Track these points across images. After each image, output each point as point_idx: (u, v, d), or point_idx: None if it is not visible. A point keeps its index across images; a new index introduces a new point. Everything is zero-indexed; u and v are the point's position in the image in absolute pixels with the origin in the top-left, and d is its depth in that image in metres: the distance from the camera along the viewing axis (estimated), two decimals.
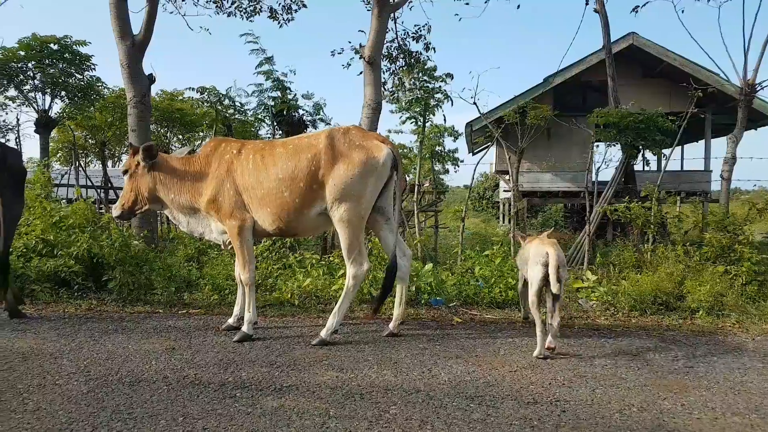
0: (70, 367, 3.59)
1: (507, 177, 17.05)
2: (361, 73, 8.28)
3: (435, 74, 8.93)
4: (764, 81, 7.72)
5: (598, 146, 11.90)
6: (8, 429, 2.65)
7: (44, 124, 12.93)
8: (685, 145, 18.79)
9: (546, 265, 3.93)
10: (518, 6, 13.05)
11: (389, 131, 18.19)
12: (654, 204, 7.53)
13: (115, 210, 4.78)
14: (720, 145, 33.74)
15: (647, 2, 9.33)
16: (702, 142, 16.71)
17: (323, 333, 4.30)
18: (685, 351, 4.25)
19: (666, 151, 10.88)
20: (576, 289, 6.40)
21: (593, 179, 10.85)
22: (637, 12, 9.60)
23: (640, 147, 10.21)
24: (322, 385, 3.34)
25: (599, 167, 10.00)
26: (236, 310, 4.74)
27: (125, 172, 4.71)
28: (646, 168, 16.35)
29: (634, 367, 3.82)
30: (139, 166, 4.62)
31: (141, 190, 4.63)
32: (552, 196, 16.30)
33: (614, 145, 10.92)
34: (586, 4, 11.12)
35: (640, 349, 4.29)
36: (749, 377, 3.62)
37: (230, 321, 4.69)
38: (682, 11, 8.20)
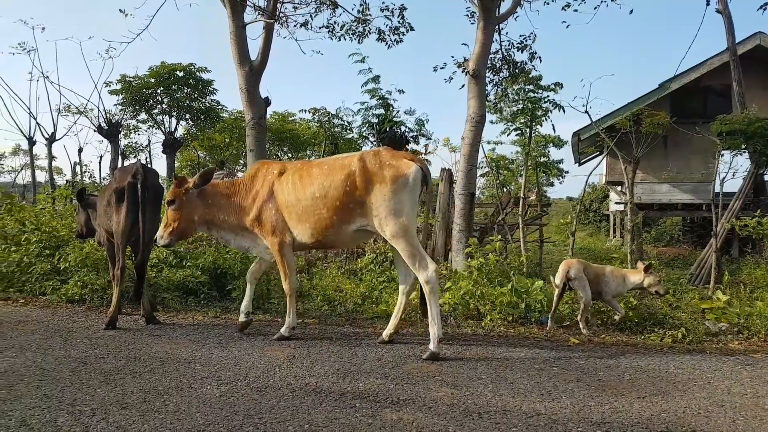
0: (202, 372, 3.86)
1: (618, 188, 16.15)
2: (463, 86, 8.25)
3: (541, 83, 8.70)
4: None
5: (723, 155, 10.94)
6: (153, 428, 2.89)
7: (170, 145, 14.19)
8: None
9: None
10: (631, 11, 12.39)
11: (489, 142, 17.92)
12: None
13: (162, 240, 4.95)
14: None
15: None
16: None
17: (432, 346, 4.35)
18: None
19: None
20: (702, 309, 5.90)
21: (717, 191, 9.99)
22: (765, 9, 8.74)
23: None
24: (438, 401, 3.34)
25: (724, 178, 9.17)
26: (244, 306, 5.06)
27: (171, 202, 4.90)
28: None
29: None
30: (188, 193, 4.91)
31: (191, 216, 4.91)
32: (670, 208, 15.17)
33: (741, 154, 10.01)
34: (707, 4, 10.32)
35: None
36: None
37: (242, 318, 5.04)
38: None
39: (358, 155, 4.65)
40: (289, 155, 15.61)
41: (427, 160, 11.90)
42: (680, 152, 14.36)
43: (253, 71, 8.44)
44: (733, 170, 9.88)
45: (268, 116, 13.72)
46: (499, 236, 8.08)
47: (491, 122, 9.81)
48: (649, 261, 6.36)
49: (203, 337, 4.86)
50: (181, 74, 13.50)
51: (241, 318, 5.03)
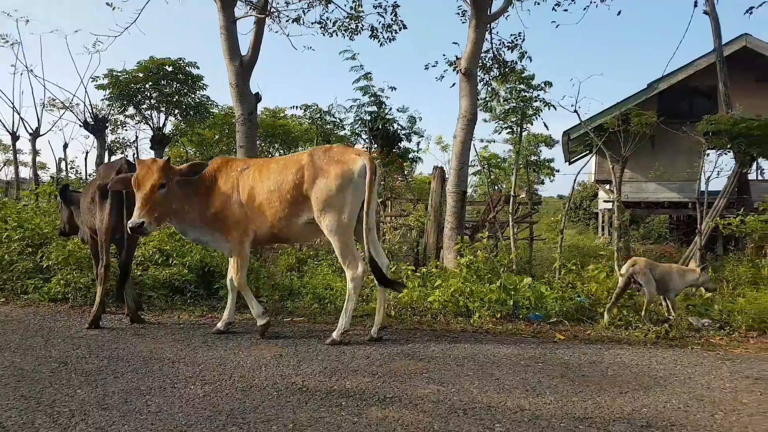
0: (186, 372, 3.83)
1: (607, 187, 16.27)
2: (453, 84, 8.27)
3: (533, 83, 8.74)
4: None
5: (708, 154, 11.06)
6: (133, 429, 2.86)
7: (159, 141, 14.08)
8: None
9: None
10: (619, 12, 12.46)
11: (481, 140, 17.99)
12: None
13: (150, 225, 4.54)
14: None
15: (763, 2, 8.56)
16: None
17: (335, 334, 4.61)
18: None
19: None
20: (687, 306, 5.97)
21: (703, 189, 10.10)
22: (751, 13, 8.83)
23: (755, 155, 9.38)
24: (424, 398, 3.35)
25: (710, 177, 9.26)
26: (226, 315, 5.03)
27: (162, 186, 4.58)
28: (761, 177, 15.00)
29: (756, 392, 3.52)
30: (176, 180, 4.70)
31: (171, 204, 4.71)
32: (657, 207, 15.34)
33: (726, 153, 10.14)
34: (695, 6, 10.42)
35: (763, 372, 3.94)
36: None
37: (219, 325, 4.99)
38: None
39: (310, 150, 4.83)
40: (281, 152, 15.58)
41: (419, 157, 11.95)
42: (667, 151, 14.51)
43: (243, 66, 8.38)
44: (718, 169, 10.01)
45: (259, 112, 13.70)
46: (488, 234, 8.11)
47: (484, 120, 9.86)
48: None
49: (188, 337, 4.84)
50: (170, 69, 13.41)
51: (260, 321, 4.88)
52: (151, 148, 14.06)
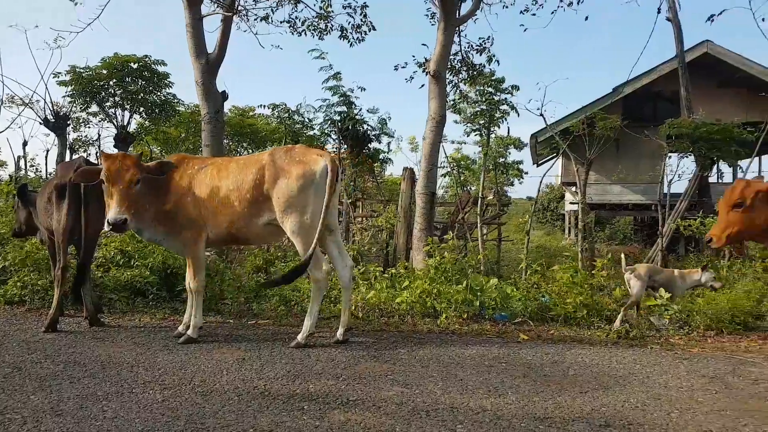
0: (145, 376, 3.74)
1: (573, 189, 16.57)
2: (423, 86, 8.31)
3: (502, 86, 8.83)
4: None
5: (670, 158, 11.38)
6: None
7: (123, 139, 13.77)
8: (763, 157, 17.64)
9: None
10: (586, 18, 12.72)
11: (453, 142, 18.15)
12: None
13: (131, 222, 4.36)
14: None
15: (723, 11, 8.85)
16: None
17: (300, 336, 4.58)
18: (767, 374, 3.98)
19: (743, 163, 10.28)
20: (648, 306, 6.11)
21: (665, 192, 10.38)
22: (712, 21, 9.12)
23: (715, 159, 9.69)
24: (387, 401, 3.34)
25: (671, 179, 9.52)
26: (186, 317, 4.94)
27: (137, 182, 4.41)
28: (721, 180, 15.50)
29: (712, 391, 3.61)
30: (142, 177, 4.48)
31: (141, 202, 4.54)
32: (621, 208, 15.71)
33: (687, 157, 10.44)
34: (658, 12, 10.69)
35: (718, 371, 4.05)
36: None
37: (180, 328, 4.90)
38: (762, 19, 7.69)
39: (271, 150, 4.78)
40: (249, 151, 15.41)
41: (389, 158, 11.95)
42: (631, 155, 14.86)
43: (209, 64, 8.28)
44: (679, 172, 10.31)
45: (227, 111, 13.53)
46: (453, 235, 8.16)
47: (455, 122, 9.93)
48: (603, 260, 6.60)
49: (149, 340, 4.72)
50: (135, 66, 13.12)
51: (191, 332, 4.72)
52: (114, 146, 13.72)
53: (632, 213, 16.34)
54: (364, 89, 9.87)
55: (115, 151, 13.88)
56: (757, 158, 17.19)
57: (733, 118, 10.47)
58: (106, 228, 4.34)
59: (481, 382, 3.73)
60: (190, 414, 3.08)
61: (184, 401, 3.28)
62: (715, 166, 13.61)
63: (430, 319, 5.73)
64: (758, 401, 3.42)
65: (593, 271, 6.46)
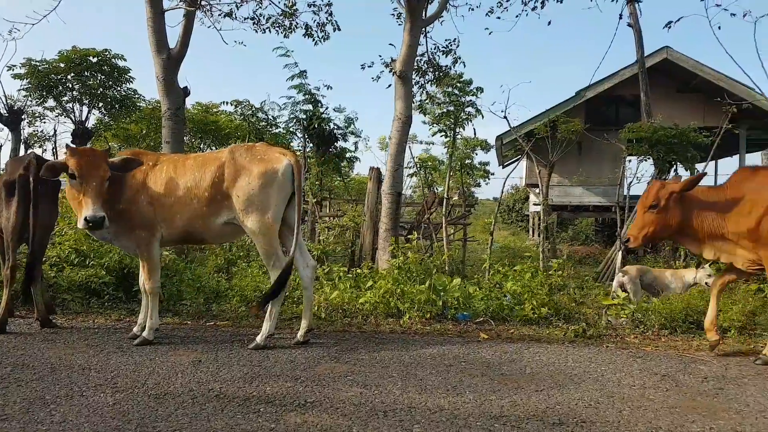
0: (97, 379, 3.63)
1: (537, 190, 16.88)
2: (389, 86, 8.32)
3: (468, 88, 8.91)
4: None
5: (630, 161, 11.69)
6: None
7: (80, 135, 13.36)
8: (719, 160, 18.31)
9: None
10: (549, 22, 12.95)
11: (422, 142, 18.26)
12: None
13: (107, 221, 4.28)
14: (755, 161, 32.64)
15: (680, 18, 9.14)
16: (737, 157, 16.26)
17: (259, 338, 4.49)
18: (715, 372, 4.12)
19: (699, 166, 10.62)
20: (606, 305, 6.26)
21: (625, 194, 10.65)
22: (670, 27, 9.41)
23: (672, 161, 10.00)
24: (345, 401, 3.32)
25: (631, 182, 9.78)
26: (140, 318, 4.82)
27: (109, 177, 4.33)
28: None
29: (663, 388, 3.71)
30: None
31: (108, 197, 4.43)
32: (582, 210, 16.06)
33: (646, 160, 10.73)
34: (620, 18, 10.96)
35: (670, 369, 4.16)
36: None
37: (135, 330, 4.79)
38: (719, 27, 7.97)
39: (231, 147, 4.67)
40: (213, 148, 15.17)
41: (356, 158, 11.92)
42: (593, 157, 15.21)
43: (171, 60, 8.11)
44: (639, 175, 10.61)
45: (189, 107, 13.27)
46: (418, 235, 8.19)
47: (423, 122, 9.97)
48: (561, 260, 6.73)
49: (102, 342, 4.59)
50: (94, 60, 12.73)
51: (146, 334, 4.59)
52: (72, 142, 13.30)
53: (593, 214, 16.73)
54: (331, 88, 9.84)
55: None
56: (712, 162, 17.89)
57: (690, 122, 10.79)
58: (82, 225, 4.20)
59: (440, 382, 3.74)
60: (141, 417, 3.00)
61: (136, 404, 3.19)
62: (673, 169, 14.03)
63: (394, 319, 5.74)
64: (706, 398, 3.53)
65: (551, 272, 6.58)
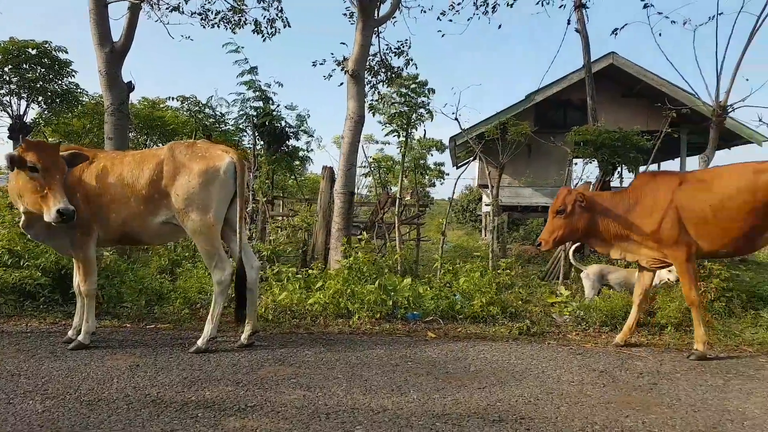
0: (26, 385, 3.47)
1: (488, 191, 17.19)
2: (341, 84, 8.28)
3: (423, 89, 8.95)
4: (735, 103, 7.84)
5: (576, 163, 12.04)
6: None
7: (18, 130, 12.71)
8: (661, 163, 19.11)
9: None
10: (500, 26, 13.25)
11: (378, 142, 18.26)
12: None
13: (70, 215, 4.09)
14: (695, 164, 34.29)
15: (625, 25, 9.50)
16: (678, 160, 16.99)
17: (200, 342, 4.38)
18: (650, 367, 4.27)
19: (642, 168, 11.04)
20: (551, 303, 6.42)
21: None
22: (616, 34, 9.76)
23: (616, 164, 10.35)
24: (287, 405, 3.28)
25: (577, 183, 10.08)
26: (76, 321, 4.67)
27: (35, 169, 4.09)
28: (622, 185, 16.60)
29: (600, 384, 3.83)
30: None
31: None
32: (532, 210, 16.44)
33: (591, 162, 11.06)
34: (568, 23, 11.29)
35: (608, 365, 4.30)
36: (710, 395, 3.65)
37: (70, 333, 4.62)
38: (659, 34, 8.34)
39: (171, 145, 4.53)
40: (160, 144, 14.72)
41: (308, 156, 11.81)
42: (542, 159, 15.58)
43: (114, 53, 7.85)
44: (584, 177, 10.94)
45: (135, 102, 12.84)
46: (373, 234, 8.18)
47: (379, 123, 9.96)
48: (509, 259, 6.86)
49: (35, 346, 4.38)
50: (34, 52, 12.13)
51: (82, 338, 4.43)
52: (9, 137, 12.63)
53: (542, 215, 17.11)
54: (282, 85, 9.71)
55: (9, 143, 12.80)
56: (655, 164, 18.66)
57: (634, 126, 11.18)
58: (54, 218, 3.97)
59: (385, 382, 3.75)
60: (72, 425, 2.88)
61: (67, 411, 3.07)
62: (617, 171, 14.54)
63: (343, 319, 5.70)
64: (641, 393, 3.66)
65: (498, 271, 6.70)
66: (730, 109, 7.96)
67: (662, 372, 4.15)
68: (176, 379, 3.69)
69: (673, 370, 4.20)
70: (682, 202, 4.56)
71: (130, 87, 8.03)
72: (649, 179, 4.87)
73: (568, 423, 3.11)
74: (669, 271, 6.16)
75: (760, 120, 8.01)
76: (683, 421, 3.17)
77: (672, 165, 19.66)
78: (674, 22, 8.66)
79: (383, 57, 9.70)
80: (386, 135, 9.76)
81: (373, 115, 9.44)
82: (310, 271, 6.73)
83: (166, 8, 8.82)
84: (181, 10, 8.76)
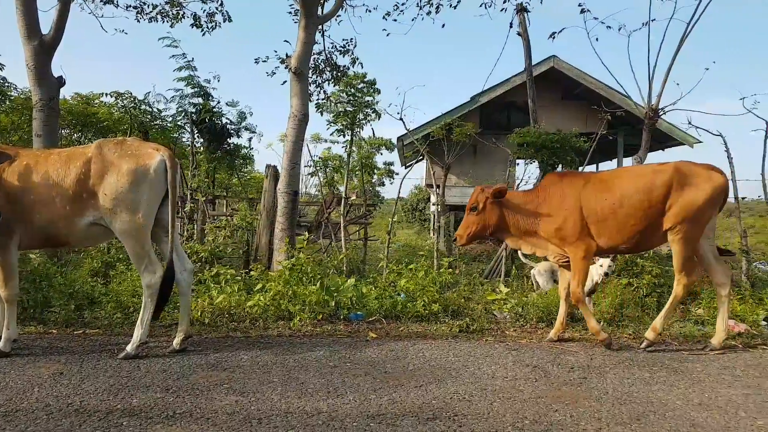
0: None
1: (435, 190, 17.40)
2: (285, 82, 8.18)
3: (371, 89, 8.95)
4: (667, 106, 8.24)
5: (518, 164, 12.35)
6: None
7: None
8: (600, 164, 19.85)
9: None
10: (443, 25, 13.41)
11: (325, 141, 18.06)
12: None
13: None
14: (629, 165, 35.67)
15: (563, 29, 9.81)
16: (616, 161, 17.71)
17: (129, 347, 4.25)
18: (581, 362, 4.42)
19: (580, 169, 11.42)
20: (492, 300, 6.55)
21: None
22: (554, 38, 10.07)
23: (555, 165, 10.68)
24: (218, 411, 3.20)
25: (518, 184, 10.33)
26: (7, 332, 4.41)
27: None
28: None
29: (532, 379, 3.93)
30: None
31: None
32: None
33: (533, 163, 11.38)
34: (510, 26, 11.56)
35: (540, 361, 4.42)
36: (636, 387, 3.81)
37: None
38: (596, 39, 8.68)
39: (99, 142, 4.36)
40: (93, 142, 14.07)
41: (250, 155, 11.59)
42: (487, 160, 15.91)
43: (43, 47, 7.46)
44: (526, 177, 11.23)
45: (68, 98, 12.23)
46: (315, 235, 8.11)
47: (327, 121, 9.87)
48: (453, 258, 6.94)
49: None
50: None
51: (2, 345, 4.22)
52: None
53: None
54: (219, 80, 9.49)
55: None
56: (593, 165, 19.38)
57: (573, 128, 11.55)
58: None
59: (322, 384, 3.72)
60: None
61: None
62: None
63: (284, 322, 5.62)
64: (571, 388, 3.78)
65: (441, 269, 6.78)
66: (662, 112, 8.35)
67: (592, 366, 4.30)
68: (102, 386, 3.54)
69: (603, 365, 4.35)
70: (585, 201, 4.84)
71: (60, 82, 7.65)
72: (557, 179, 5.13)
73: (500, 418, 3.18)
74: (609, 266, 6.40)
75: (689, 122, 8.46)
76: (609, 414, 3.29)
77: (610, 166, 20.42)
78: (610, 27, 9.00)
79: (328, 55, 9.65)
80: (331, 134, 9.69)
81: (321, 114, 9.37)
82: (251, 273, 6.60)
83: (100, 0, 8.46)
84: (115, 3, 8.42)
